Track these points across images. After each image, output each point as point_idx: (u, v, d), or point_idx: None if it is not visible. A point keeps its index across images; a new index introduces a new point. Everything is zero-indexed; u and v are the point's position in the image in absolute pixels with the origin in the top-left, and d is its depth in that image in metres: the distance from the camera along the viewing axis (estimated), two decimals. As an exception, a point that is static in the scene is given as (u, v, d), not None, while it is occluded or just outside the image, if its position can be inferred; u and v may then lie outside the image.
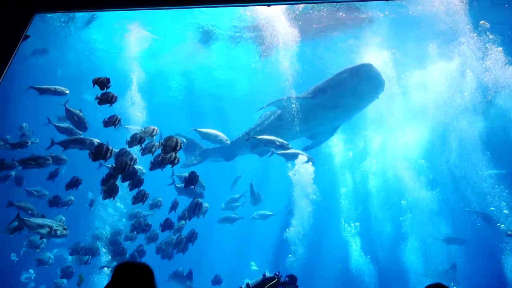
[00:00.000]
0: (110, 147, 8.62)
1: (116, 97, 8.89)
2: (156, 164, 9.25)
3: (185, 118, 23.11)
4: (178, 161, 8.93)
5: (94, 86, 8.66)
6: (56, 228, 9.38)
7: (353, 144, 23.35)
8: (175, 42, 17.78)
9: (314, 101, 12.29)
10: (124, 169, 8.64)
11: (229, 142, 13.78)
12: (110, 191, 8.84)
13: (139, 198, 9.66)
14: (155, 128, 9.08)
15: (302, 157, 13.00)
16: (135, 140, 9.06)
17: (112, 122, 9.24)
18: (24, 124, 13.73)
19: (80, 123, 10.83)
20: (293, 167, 13.76)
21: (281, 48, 15.31)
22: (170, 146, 8.51)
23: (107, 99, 8.73)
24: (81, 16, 15.91)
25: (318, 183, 14.64)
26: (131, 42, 17.34)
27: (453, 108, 16.34)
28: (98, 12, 15.38)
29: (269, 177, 25.05)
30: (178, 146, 8.51)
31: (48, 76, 20.80)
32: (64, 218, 11.31)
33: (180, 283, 14.05)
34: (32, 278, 17.42)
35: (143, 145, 9.23)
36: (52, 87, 11.72)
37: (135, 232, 11.66)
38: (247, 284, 6.70)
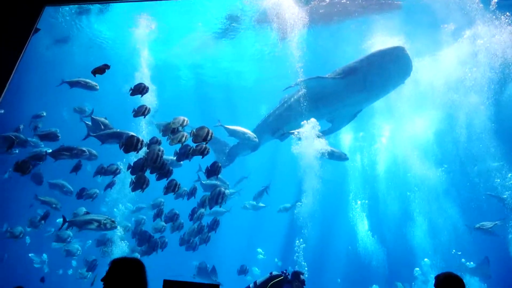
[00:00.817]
0: (141, 138, 8.56)
1: (148, 88, 9.04)
2: (184, 155, 9.09)
3: (194, 109, 23.17)
4: (208, 151, 8.78)
5: (95, 76, 8.91)
6: (104, 221, 9.67)
7: (364, 129, 23.14)
8: (184, 33, 17.68)
9: (343, 82, 11.95)
10: (156, 160, 8.54)
11: (257, 139, 13.61)
12: (140, 183, 8.75)
13: (171, 187, 9.40)
14: (185, 118, 8.91)
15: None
16: (168, 130, 8.99)
17: (141, 112, 9.18)
18: (42, 112, 13.81)
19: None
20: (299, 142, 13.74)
21: (290, 35, 15.11)
22: (201, 136, 8.33)
23: (138, 89, 8.97)
24: (89, 8, 15.89)
25: (328, 165, 14.60)
26: (140, 33, 17.33)
27: (464, 91, 16.06)
28: (106, 4, 15.38)
29: (277, 171, 25.15)
30: (209, 136, 8.32)
31: (58, 70, 21.00)
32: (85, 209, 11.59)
33: (206, 278, 14.02)
34: (46, 262, 17.97)
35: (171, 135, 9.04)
36: (82, 80, 11.94)
37: (163, 223, 11.64)
38: (255, 283, 6.72)
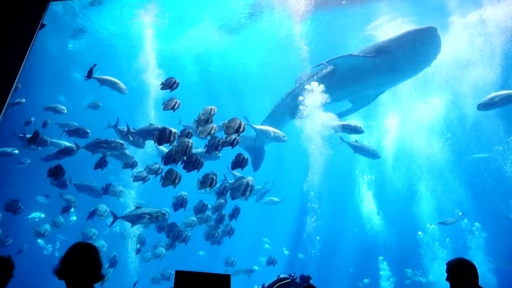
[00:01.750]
0: (174, 130, 8.52)
1: (178, 82, 9.09)
2: (213, 147, 8.90)
3: (201, 101, 23.09)
4: (237, 142, 8.64)
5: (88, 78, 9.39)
6: (156, 214, 9.80)
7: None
8: (190, 25, 17.61)
9: (374, 61, 11.66)
10: (185, 151, 8.37)
11: (286, 138, 13.35)
12: (170, 179, 8.59)
13: (206, 183, 8.94)
14: (213, 107, 8.78)
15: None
16: (202, 121, 8.85)
17: (171, 106, 9.09)
18: (61, 106, 13.98)
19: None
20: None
21: (295, 24, 14.98)
22: (233, 128, 8.21)
23: (168, 84, 9.06)
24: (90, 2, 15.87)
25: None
26: (146, 26, 17.29)
27: (473, 69, 15.86)
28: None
29: (285, 165, 25.14)
30: (242, 128, 8.20)
31: (66, 65, 21.14)
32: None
33: (240, 272, 14.06)
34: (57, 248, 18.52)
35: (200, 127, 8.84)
36: (112, 79, 12.27)
37: (194, 218, 11.47)
38: (263, 285, 6.73)
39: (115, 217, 9.98)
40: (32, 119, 12.44)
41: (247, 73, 21.34)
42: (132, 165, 11.05)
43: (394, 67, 11.72)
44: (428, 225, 20.06)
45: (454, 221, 14.76)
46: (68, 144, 11.63)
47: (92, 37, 18.91)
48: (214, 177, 8.98)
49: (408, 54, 11.41)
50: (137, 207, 10.28)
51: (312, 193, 15.77)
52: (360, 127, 12.60)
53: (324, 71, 13.05)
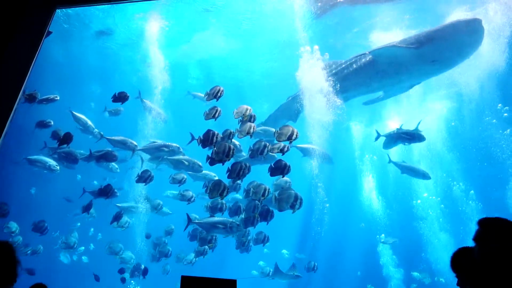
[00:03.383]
0: (217, 132, 8.32)
1: (223, 90, 8.84)
2: (258, 151, 8.61)
3: (204, 107, 23.15)
4: (288, 149, 8.48)
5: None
6: (230, 225, 9.60)
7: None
8: (194, 31, 17.75)
9: (417, 51, 11.36)
10: (228, 154, 8.07)
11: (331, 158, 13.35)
12: (218, 191, 8.30)
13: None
14: (248, 107, 8.62)
15: None
16: (245, 121, 8.73)
17: (212, 115, 8.72)
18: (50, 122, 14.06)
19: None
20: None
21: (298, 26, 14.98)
22: (285, 135, 7.99)
23: (213, 93, 8.86)
24: (97, 9, 16.04)
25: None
26: (149, 33, 17.42)
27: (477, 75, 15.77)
28: (116, 5, 15.48)
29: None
30: (294, 135, 7.94)
31: (70, 74, 21.32)
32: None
33: (284, 276, 13.39)
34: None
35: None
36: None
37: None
38: None
39: (189, 221, 9.69)
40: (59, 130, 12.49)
41: (251, 79, 21.38)
42: (181, 181, 11.05)
43: (437, 58, 11.41)
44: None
45: (392, 241, 15.89)
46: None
47: (97, 44, 19.09)
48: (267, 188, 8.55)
49: (452, 45, 11.12)
50: (211, 215, 9.96)
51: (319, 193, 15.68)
52: (422, 134, 11.77)
53: (362, 61, 12.58)
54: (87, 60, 20.49)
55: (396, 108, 19.46)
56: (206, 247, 10.70)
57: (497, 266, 2.16)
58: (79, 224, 17.81)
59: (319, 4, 14.16)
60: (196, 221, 9.79)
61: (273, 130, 11.29)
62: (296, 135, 7.92)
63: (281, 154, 8.50)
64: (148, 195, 13.86)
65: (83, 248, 18.38)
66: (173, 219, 13.81)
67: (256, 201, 8.91)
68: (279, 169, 8.16)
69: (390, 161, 13.61)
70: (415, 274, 18.74)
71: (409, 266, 20.55)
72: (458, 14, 13.66)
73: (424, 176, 13.56)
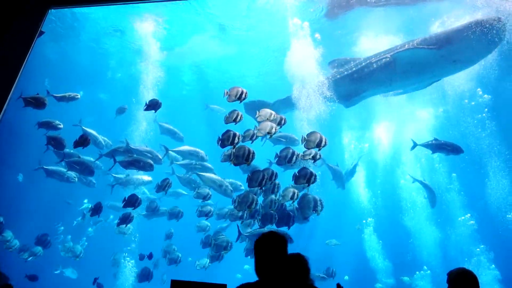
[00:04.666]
0: (238, 133, 8.04)
1: (246, 92, 8.38)
2: (286, 158, 8.22)
3: (197, 111, 23.23)
4: (320, 157, 8.20)
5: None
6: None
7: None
8: (188, 35, 17.76)
9: (438, 52, 11.35)
10: (248, 158, 7.75)
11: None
12: (246, 203, 8.08)
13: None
14: (272, 112, 8.31)
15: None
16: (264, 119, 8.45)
17: (233, 118, 8.29)
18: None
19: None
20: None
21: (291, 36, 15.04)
22: (313, 142, 7.75)
23: (236, 95, 8.36)
24: (90, 10, 15.98)
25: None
26: (143, 36, 17.38)
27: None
28: (110, 6, 15.43)
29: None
30: (323, 143, 7.73)
31: (61, 75, 21.18)
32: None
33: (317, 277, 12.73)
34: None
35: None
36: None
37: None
38: None
39: (240, 234, 9.43)
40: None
41: (244, 83, 21.43)
42: (206, 197, 10.73)
43: (458, 58, 11.43)
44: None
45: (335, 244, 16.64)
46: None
47: (90, 44, 18.99)
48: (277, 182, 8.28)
49: (474, 45, 11.11)
50: (261, 227, 9.47)
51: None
52: (460, 147, 11.97)
53: (383, 61, 12.47)
54: (80, 60, 20.37)
55: (383, 114, 19.69)
56: (222, 252, 10.37)
57: None
58: (62, 228, 17.55)
59: (330, 7, 14.31)
60: (247, 233, 9.51)
61: (294, 136, 10.96)
62: (325, 142, 7.74)
63: (313, 161, 8.22)
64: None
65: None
66: (171, 223, 13.54)
67: (272, 196, 8.60)
68: (304, 177, 7.89)
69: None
70: (405, 278, 18.91)
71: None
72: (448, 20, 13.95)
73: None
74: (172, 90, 21.85)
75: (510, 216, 18.09)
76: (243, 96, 8.22)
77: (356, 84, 13.01)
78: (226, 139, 7.93)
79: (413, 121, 20.47)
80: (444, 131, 20.35)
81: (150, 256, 13.12)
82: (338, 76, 13.45)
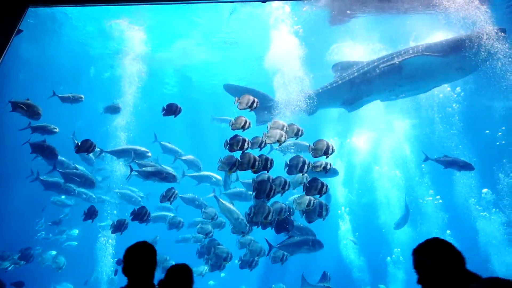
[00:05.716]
0: (247, 138, 7.75)
1: (258, 102, 8.11)
2: (297, 167, 7.95)
3: (181, 116, 22.94)
4: (330, 166, 8.09)
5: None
6: (312, 244, 9.41)
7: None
8: (171, 39, 17.68)
9: (444, 60, 11.59)
10: (254, 165, 7.52)
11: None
12: (263, 213, 7.78)
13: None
14: (285, 124, 8.03)
15: None
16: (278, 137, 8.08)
17: (241, 125, 7.92)
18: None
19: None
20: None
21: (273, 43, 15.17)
22: (321, 150, 7.60)
23: (247, 103, 8.08)
24: (71, 11, 15.70)
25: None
26: (126, 38, 17.22)
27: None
28: (90, 7, 15.19)
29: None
30: (330, 150, 7.60)
31: (41, 77, 20.71)
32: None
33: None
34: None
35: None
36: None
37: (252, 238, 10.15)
38: None
39: (271, 246, 9.23)
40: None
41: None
42: (213, 217, 10.36)
43: (462, 66, 11.68)
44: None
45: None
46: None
47: (71, 46, 18.64)
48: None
49: (478, 54, 11.41)
50: (289, 236, 9.26)
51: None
52: (471, 164, 12.20)
53: (387, 66, 12.53)
54: (59, 61, 19.94)
55: (361, 123, 20.03)
56: (223, 263, 10.17)
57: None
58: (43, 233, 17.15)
59: (333, 13, 14.35)
60: (278, 245, 9.39)
61: (306, 144, 10.40)
62: (333, 150, 7.63)
63: (325, 172, 8.08)
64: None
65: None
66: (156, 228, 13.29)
67: (283, 205, 8.36)
68: (315, 188, 7.73)
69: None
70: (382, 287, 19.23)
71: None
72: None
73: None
74: (154, 93, 21.65)
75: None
76: (254, 104, 8.00)
77: (360, 88, 13.08)
78: (235, 144, 7.61)
79: (391, 131, 20.95)
80: (420, 140, 20.99)
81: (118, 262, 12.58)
82: (342, 80, 13.48)
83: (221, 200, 9.96)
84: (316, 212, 8.18)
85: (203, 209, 10.56)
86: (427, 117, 18.61)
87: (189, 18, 16.04)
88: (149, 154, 11.95)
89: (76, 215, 18.18)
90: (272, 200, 8.23)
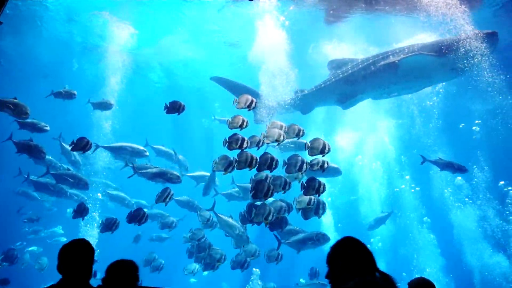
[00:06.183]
0: (246, 138, 7.69)
1: (256, 102, 8.09)
2: (296, 166, 7.89)
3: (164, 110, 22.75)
4: (328, 165, 8.07)
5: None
6: (317, 237, 9.47)
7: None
8: (158, 35, 17.55)
9: (440, 60, 11.69)
10: (251, 164, 7.43)
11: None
12: (263, 214, 7.67)
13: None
14: (302, 129, 8.04)
15: None
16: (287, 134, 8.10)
17: (239, 124, 7.84)
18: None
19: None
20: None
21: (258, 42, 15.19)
22: (317, 149, 7.57)
23: (246, 102, 8.02)
24: (52, 2, 15.36)
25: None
26: (111, 34, 16.95)
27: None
28: (77, 1, 14.97)
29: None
30: (327, 149, 7.55)
31: (21, 71, 20.26)
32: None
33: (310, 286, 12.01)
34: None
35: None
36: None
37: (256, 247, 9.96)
38: None
39: (279, 242, 9.14)
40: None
41: (214, 85, 21.35)
42: (211, 225, 10.12)
43: (457, 66, 11.83)
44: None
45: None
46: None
47: (53, 39, 18.26)
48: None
49: (471, 55, 11.65)
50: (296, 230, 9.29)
51: None
52: (465, 167, 12.52)
53: (382, 64, 12.57)
54: (40, 54, 19.52)
55: (345, 122, 20.27)
56: (217, 263, 10.06)
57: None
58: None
59: (331, 11, 14.40)
60: (286, 241, 9.39)
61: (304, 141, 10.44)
62: (329, 149, 7.64)
63: (322, 171, 8.10)
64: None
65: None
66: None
67: (283, 203, 8.39)
68: (313, 188, 7.69)
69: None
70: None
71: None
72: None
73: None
74: (139, 88, 21.44)
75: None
76: (253, 104, 7.99)
77: (355, 85, 13.14)
78: (234, 142, 7.55)
79: (374, 131, 21.29)
80: (403, 140, 21.42)
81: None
82: (337, 78, 13.49)
83: (220, 215, 9.83)
84: (313, 210, 8.25)
85: (198, 212, 10.40)
86: (407, 113, 18.97)
87: (176, 14, 15.93)
88: (147, 153, 11.84)
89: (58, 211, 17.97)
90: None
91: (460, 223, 18.94)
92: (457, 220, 19.13)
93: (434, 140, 19.09)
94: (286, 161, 8.05)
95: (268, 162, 7.49)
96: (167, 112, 8.94)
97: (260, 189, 7.47)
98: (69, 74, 20.77)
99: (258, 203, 8.07)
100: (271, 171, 7.68)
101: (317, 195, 7.88)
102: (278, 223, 8.55)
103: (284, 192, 8.01)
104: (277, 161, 7.60)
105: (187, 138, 25.10)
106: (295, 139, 8.50)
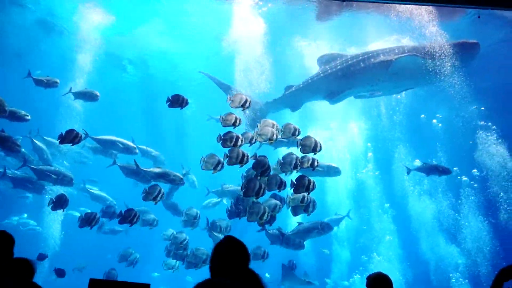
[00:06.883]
0: (240, 135, 7.75)
1: (250, 101, 8.10)
2: (291, 164, 7.94)
3: (139, 103, 22.43)
4: (318, 163, 8.14)
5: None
6: (321, 226, 9.89)
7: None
8: (134, 25, 17.16)
9: (428, 64, 12.23)
10: (242, 160, 7.53)
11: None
12: (258, 213, 7.79)
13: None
14: (298, 128, 8.10)
15: None
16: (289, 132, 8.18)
17: (232, 122, 7.82)
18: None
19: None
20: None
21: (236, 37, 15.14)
22: (309, 147, 7.69)
23: (240, 102, 7.99)
24: None
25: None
26: (85, 20, 16.33)
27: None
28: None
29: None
30: (318, 147, 7.68)
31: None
32: None
33: (297, 281, 11.91)
34: None
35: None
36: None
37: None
38: None
39: (283, 235, 9.34)
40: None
41: (188, 78, 21.15)
42: (195, 217, 9.77)
43: (442, 71, 12.32)
44: None
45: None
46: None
47: (22, 23, 17.45)
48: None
49: (456, 62, 12.28)
50: (299, 223, 9.45)
51: None
52: (449, 168, 13.02)
53: (372, 61, 12.79)
54: (8, 38, 18.62)
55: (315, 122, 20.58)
56: (202, 264, 9.59)
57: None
58: None
59: (323, 6, 14.30)
60: (290, 233, 9.60)
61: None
62: (320, 147, 7.78)
63: (312, 169, 8.21)
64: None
65: None
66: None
67: (278, 202, 8.44)
68: (303, 186, 7.81)
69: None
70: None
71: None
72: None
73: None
74: (111, 77, 20.86)
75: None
76: (247, 104, 8.00)
77: (343, 81, 13.31)
78: (228, 140, 7.61)
79: (346, 132, 21.64)
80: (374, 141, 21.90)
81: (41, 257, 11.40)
82: (327, 72, 13.58)
83: (214, 233, 9.67)
84: (303, 207, 8.37)
85: (184, 211, 10.06)
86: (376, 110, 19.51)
87: (153, 3, 15.59)
88: (137, 151, 11.61)
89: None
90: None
91: (418, 213, 19.67)
92: (415, 209, 19.86)
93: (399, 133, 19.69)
94: (281, 160, 8.15)
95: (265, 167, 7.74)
96: (170, 106, 8.72)
97: (251, 188, 7.55)
98: (39, 59, 19.93)
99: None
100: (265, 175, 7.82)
101: (307, 193, 8.01)
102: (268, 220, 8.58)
103: (279, 191, 8.19)
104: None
105: (158, 131, 24.71)
106: (291, 138, 8.64)
